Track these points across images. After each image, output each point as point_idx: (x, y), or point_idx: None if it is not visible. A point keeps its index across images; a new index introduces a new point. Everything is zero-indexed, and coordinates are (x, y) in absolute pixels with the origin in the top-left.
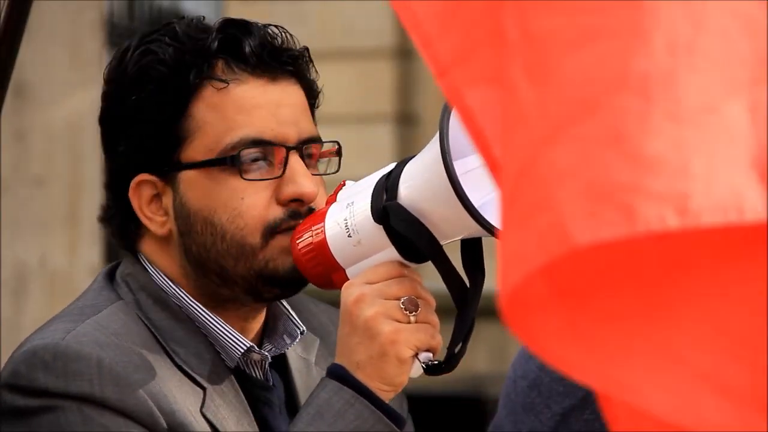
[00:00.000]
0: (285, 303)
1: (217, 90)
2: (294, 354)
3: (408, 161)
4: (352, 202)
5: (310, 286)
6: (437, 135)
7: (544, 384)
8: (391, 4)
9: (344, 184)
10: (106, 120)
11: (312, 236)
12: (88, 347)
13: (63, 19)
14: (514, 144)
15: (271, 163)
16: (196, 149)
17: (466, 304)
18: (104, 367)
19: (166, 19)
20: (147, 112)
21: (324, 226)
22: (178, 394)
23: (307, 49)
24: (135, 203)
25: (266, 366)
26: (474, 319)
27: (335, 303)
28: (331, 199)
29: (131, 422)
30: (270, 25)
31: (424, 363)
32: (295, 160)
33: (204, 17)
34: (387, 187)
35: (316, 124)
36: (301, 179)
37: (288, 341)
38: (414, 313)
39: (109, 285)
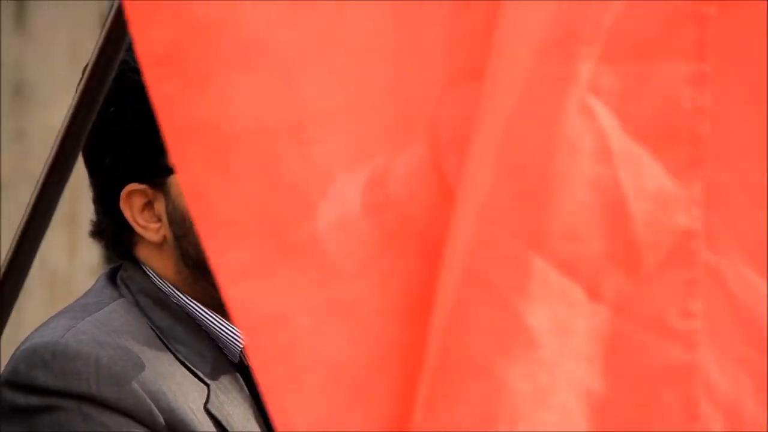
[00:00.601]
0: None
1: None
2: None
3: None
4: None
5: None
6: None
7: None
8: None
9: None
10: (86, 136)
11: None
12: (87, 346)
13: (63, 19)
14: None
15: None
16: None
17: None
18: (102, 366)
19: None
20: (127, 122)
21: None
22: (180, 391)
23: None
24: (128, 214)
25: None
26: None
27: None
28: None
29: (131, 421)
30: None
31: None
32: None
33: None
34: None
35: None
36: None
37: None
38: None
39: (112, 284)
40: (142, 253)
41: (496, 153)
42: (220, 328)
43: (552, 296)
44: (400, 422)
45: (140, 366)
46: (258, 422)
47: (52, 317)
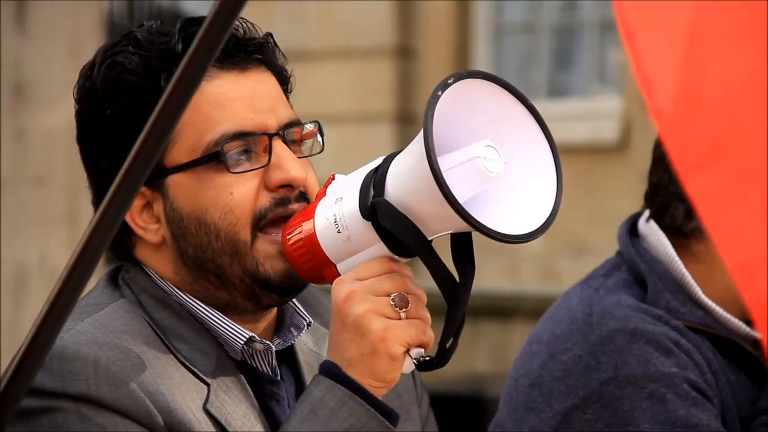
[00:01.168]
0: None
1: None
2: (305, 348)
3: (395, 155)
4: (341, 198)
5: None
6: (422, 131)
7: (545, 383)
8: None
9: (333, 178)
10: (84, 139)
11: (302, 232)
12: (85, 347)
13: (63, 19)
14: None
15: (256, 153)
16: (180, 152)
17: (456, 299)
18: (100, 367)
19: (166, 19)
20: (124, 124)
21: (314, 222)
22: (179, 391)
23: (270, 35)
24: (126, 216)
25: (273, 360)
26: (464, 314)
27: None
28: (321, 194)
29: (129, 421)
30: None
31: (415, 359)
32: (278, 145)
33: (161, 21)
34: (374, 183)
35: (292, 108)
36: (288, 164)
37: (295, 333)
38: (404, 309)
39: (113, 285)
40: (142, 253)
41: None
42: (221, 325)
43: None
44: None
45: (139, 366)
46: (259, 420)
47: None
